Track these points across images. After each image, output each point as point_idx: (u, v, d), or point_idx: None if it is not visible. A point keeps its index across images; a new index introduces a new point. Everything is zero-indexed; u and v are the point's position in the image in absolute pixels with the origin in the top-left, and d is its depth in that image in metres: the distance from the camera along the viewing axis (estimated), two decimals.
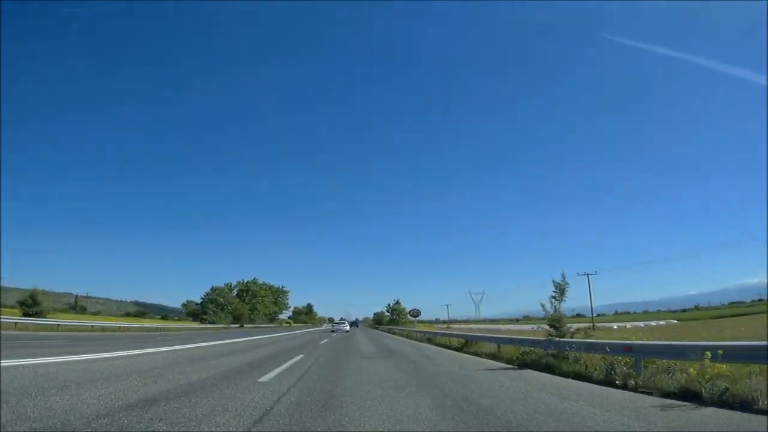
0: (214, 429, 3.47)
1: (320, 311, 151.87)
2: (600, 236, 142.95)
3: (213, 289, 79.73)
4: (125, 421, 3.54)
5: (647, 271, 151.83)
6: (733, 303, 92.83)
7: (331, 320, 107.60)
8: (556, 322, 10.86)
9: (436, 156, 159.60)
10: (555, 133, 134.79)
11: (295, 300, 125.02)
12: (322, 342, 20.19)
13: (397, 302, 67.42)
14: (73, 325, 26.34)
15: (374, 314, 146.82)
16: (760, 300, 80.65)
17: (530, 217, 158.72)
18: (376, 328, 58.36)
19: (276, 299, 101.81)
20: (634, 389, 6.53)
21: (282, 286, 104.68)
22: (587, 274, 57.63)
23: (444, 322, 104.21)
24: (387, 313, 72.21)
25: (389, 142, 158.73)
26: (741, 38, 72.00)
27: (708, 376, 5.63)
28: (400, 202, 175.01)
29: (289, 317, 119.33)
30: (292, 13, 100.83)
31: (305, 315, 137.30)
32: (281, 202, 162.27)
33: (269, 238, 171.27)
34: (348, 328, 52.79)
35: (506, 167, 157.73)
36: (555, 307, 11.05)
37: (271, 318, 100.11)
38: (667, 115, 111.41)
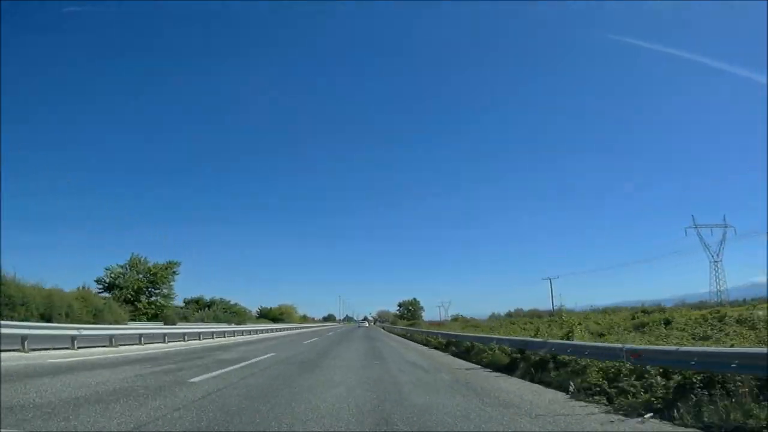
0: None
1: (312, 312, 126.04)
2: (604, 232, 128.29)
3: None
4: None
5: (655, 269, 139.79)
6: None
7: (347, 319, 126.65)
8: None
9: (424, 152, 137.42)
10: (549, 129, 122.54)
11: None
12: None
13: None
14: None
15: (399, 304, 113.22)
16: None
17: (520, 214, 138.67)
18: None
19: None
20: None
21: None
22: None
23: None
24: None
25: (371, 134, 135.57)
26: (741, 38, 64.11)
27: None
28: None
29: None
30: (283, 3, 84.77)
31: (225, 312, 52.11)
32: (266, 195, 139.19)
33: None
34: (367, 324, 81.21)
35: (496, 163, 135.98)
36: None
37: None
38: (666, 114, 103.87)
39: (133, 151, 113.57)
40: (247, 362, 10.92)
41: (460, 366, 11.84)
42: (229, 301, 57.21)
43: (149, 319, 34.74)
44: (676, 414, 4.87)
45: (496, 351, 11.61)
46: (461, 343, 16.45)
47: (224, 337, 24.41)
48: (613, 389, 6.09)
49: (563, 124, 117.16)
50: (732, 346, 7.37)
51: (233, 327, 30.65)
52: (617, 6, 65.80)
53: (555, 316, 38.39)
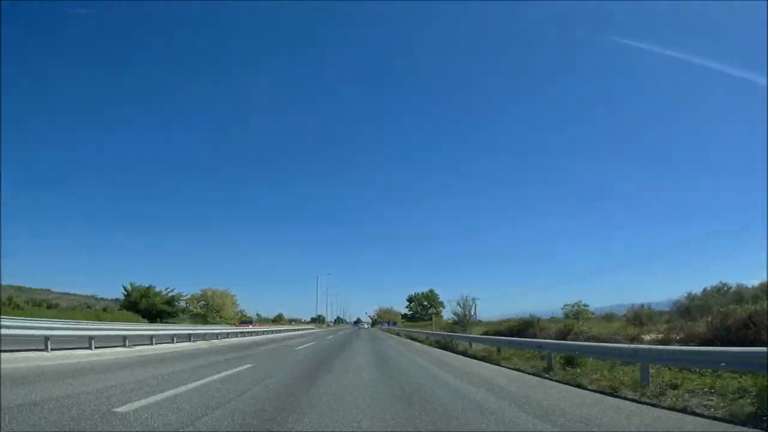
0: None
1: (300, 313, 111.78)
2: (595, 235, 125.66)
3: None
4: None
5: (645, 272, 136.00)
6: None
7: (338, 320, 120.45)
8: None
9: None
10: (550, 132, 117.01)
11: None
12: None
13: None
14: None
15: (409, 298, 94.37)
16: None
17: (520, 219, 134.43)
18: None
19: None
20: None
21: None
22: None
23: None
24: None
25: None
26: (741, 38, 60.58)
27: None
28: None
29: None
30: (287, 10, 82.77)
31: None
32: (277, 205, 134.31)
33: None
34: (367, 326, 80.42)
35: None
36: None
37: None
38: (667, 115, 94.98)
39: (133, 152, 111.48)
40: None
41: None
42: None
43: None
44: None
45: None
46: None
47: None
48: None
49: (571, 127, 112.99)
50: None
51: None
52: (625, 6, 63.04)
53: None
